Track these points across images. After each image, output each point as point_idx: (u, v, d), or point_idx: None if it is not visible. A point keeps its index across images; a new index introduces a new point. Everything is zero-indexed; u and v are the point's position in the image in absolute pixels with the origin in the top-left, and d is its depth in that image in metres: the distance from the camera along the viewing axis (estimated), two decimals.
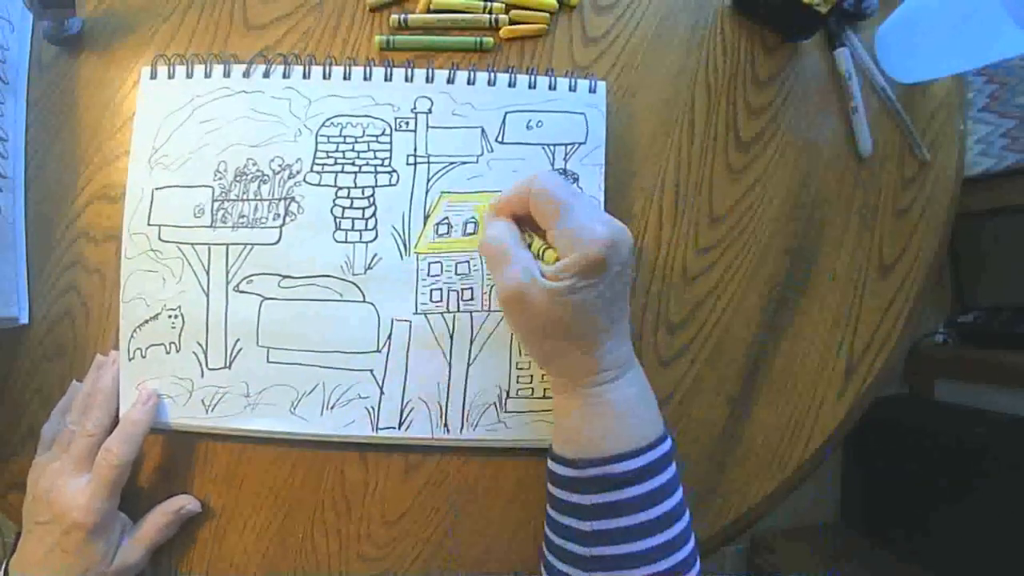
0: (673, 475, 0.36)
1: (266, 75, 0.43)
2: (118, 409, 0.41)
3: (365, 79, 0.43)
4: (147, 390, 0.41)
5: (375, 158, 0.43)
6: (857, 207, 0.46)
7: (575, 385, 0.36)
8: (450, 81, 0.43)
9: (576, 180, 0.43)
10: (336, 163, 0.43)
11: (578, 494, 0.35)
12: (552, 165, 0.43)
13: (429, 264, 0.42)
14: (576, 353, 0.35)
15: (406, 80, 0.43)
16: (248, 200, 0.42)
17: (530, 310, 0.34)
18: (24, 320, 0.43)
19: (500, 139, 0.43)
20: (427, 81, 0.43)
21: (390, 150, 0.43)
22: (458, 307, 0.42)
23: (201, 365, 0.42)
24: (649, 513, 0.34)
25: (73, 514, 0.37)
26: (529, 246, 0.36)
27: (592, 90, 0.44)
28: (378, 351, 0.42)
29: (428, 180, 0.43)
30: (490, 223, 0.37)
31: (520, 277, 0.33)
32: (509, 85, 0.44)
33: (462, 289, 0.42)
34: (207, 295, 0.42)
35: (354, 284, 0.42)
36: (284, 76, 0.43)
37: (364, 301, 0.42)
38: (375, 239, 0.42)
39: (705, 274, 0.45)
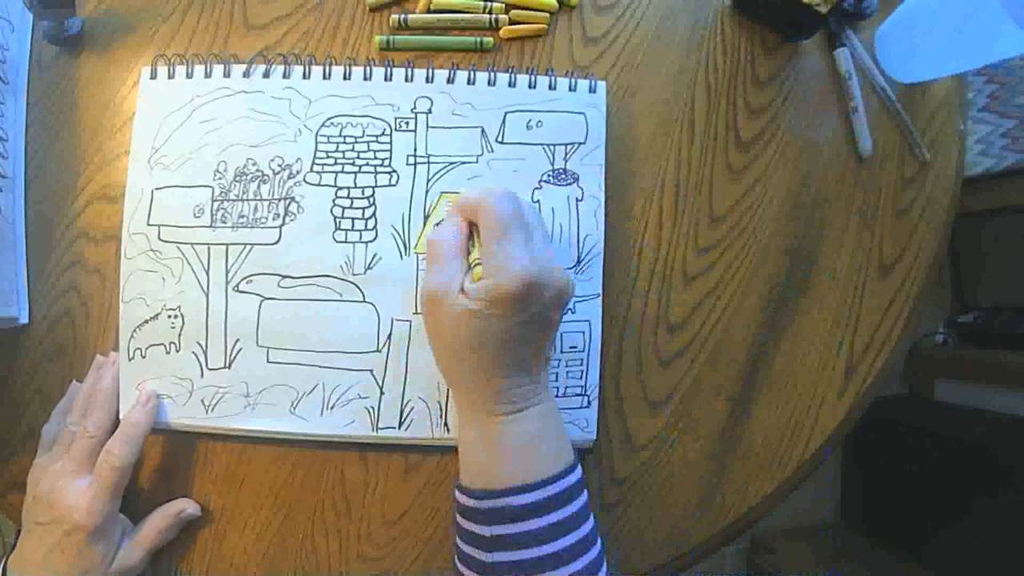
0: (580, 507, 0.34)
1: (266, 75, 0.43)
2: (119, 410, 0.41)
3: (365, 79, 0.43)
4: (147, 391, 0.41)
5: (375, 158, 0.43)
6: (857, 207, 0.46)
7: (474, 414, 0.35)
8: (450, 81, 0.43)
9: (576, 180, 0.43)
10: (336, 163, 0.43)
11: (478, 525, 0.34)
12: (552, 165, 0.43)
13: None
14: (477, 379, 0.34)
15: (406, 80, 0.43)
16: (248, 200, 0.42)
17: (440, 320, 0.34)
18: (24, 320, 0.43)
19: (500, 139, 0.43)
20: (427, 81, 0.43)
21: (390, 150, 0.43)
22: None
23: (201, 365, 0.42)
24: (553, 546, 0.33)
25: (74, 516, 0.37)
26: (469, 253, 0.35)
27: (592, 90, 0.44)
28: (378, 351, 0.42)
29: (428, 180, 0.43)
30: (444, 220, 0.37)
31: (439, 285, 0.34)
32: (509, 85, 0.44)
33: None
34: (207, 295, 0.42)
35: (354, 284, 0.42)
36: (284, 76, 0.43)
37: (364, 301, 0.42)
38: (375, 239, 0.42)
39: (705, 274, 0.45)
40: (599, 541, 0.36)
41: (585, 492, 0.36)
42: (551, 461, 0.34)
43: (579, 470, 0.36)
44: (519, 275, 0.32)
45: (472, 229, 0.36)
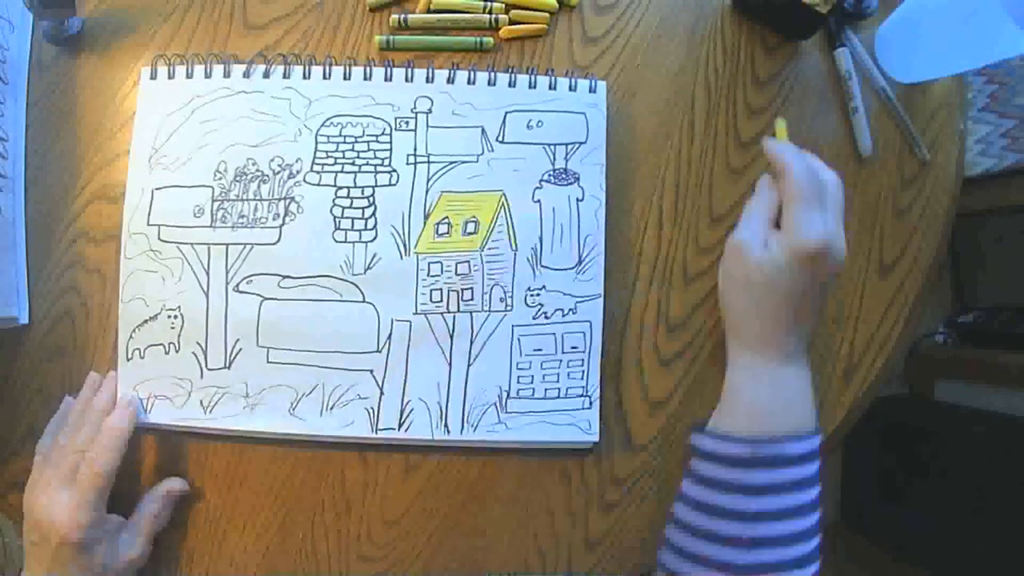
0: (819, 466, 0.37)
1: (266, 75, 0.43)
2: None
3: (365, 79, 0.43)
4: (127, 396, 0.41)
5: (375, 158, 0.43)
6: (857, 207, 0.46)
7: (753, 355, 0.39)
8: (450, 81, 0.43)
9: (577, 179, 0.43)
10: (336, 163, 0.43)
11: (749, 471, 0.36)
12: (553, 165, 0.43)
13: (429, 264, 0.42)
14: (763, 323, 0.38)
15: (406, 80, 0.43)
16: (248, 200, 0.42)
17: (740, 266, 0.39)
18: (24, 320, 0.43)
19: (500, 139, 0.43)
20: (427, 81, 0.43)
21: (390, 150, 0.43)
22: (458, 307, 0.42)
23: (201, 365, 0.42)
24: (807, 494, 0.36)
25: (60, 531, 0.36)
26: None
27: (592, 90, 0.44)
28: (378, 351, 0.42)
29: (428, 180, 0.43)
30: (762, 187, 0.40)
31: (747, 238, 0.39)
32: (509, 85, 0.44)
33: (462, 289, 0.42)
34: (207, 295, 0.42)
35: (354, 284, 0.42)
36: (284, 76, 0.43)
37: (364, 301, 0.42)
38: (375, 239, 0.42)
39: (705, 274, 0.45)
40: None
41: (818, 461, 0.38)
42: (813, 415, 0.38)
43: (819, 433, 0.38)
44: (815, 238, 0.36)
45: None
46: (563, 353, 0.42)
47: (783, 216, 0.38)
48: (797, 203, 0.37)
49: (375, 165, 0.43)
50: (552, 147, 0.43)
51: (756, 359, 0.39)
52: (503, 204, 0.43)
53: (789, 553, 0.35)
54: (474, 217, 0.43)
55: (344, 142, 0.43)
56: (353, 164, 0.43)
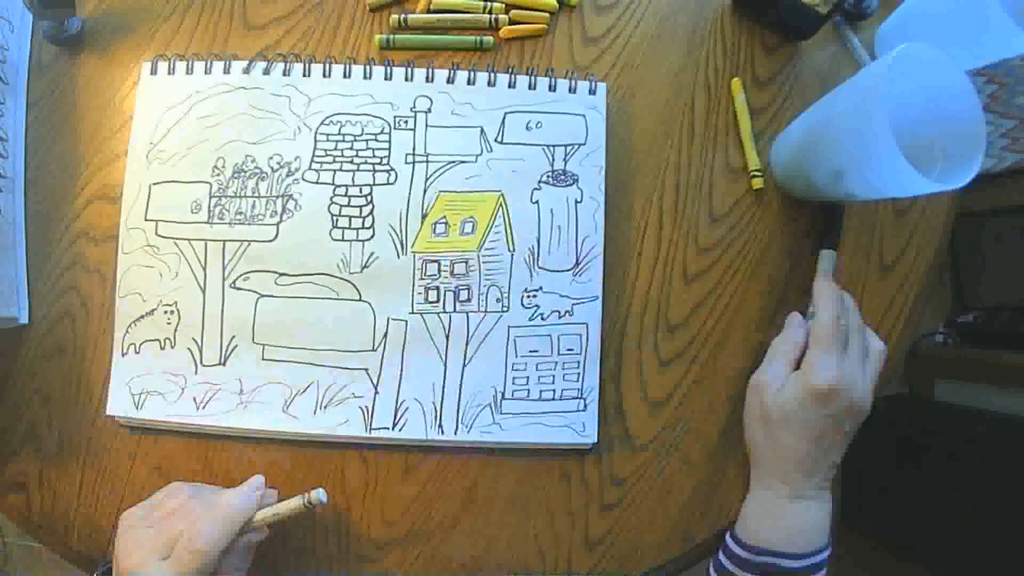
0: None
1: (266, 72, 0.43)
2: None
3: (365, 78, 0.43)
4: (256, 479, 0.38)
5: (373, 156, 0.43)
6: (857, 207, 0.46)
7: (769, 485, 0.41)
8: (450, 81, 0.43)
9: (576, 181, 0.43)
10: (334, 161, 0.43)
11: (744, 571, 0.40)
12: (552, 166, 0.43)
13: (426, 263, 0.42)
14: (779, 458, 0.40)
15: (406, 79, 0.43)
16: (246, 197, 0.42)
17: (759, 403, 0.41)
18: (24, 320, 0.43)
19: (499, 139, 0.43)
20: (427, 80, 0.43)
21: (389, 149, 0.43)
22: (454, 307, 0.42)
23: (196, 362, 0.42)
24: None
25: None
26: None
27: (592, 91, 0.44)
28: (373, 350, 0.42)
29: (426, 179, 0.43)
30: (795, 327, 0.42)
31: (768, 379, 0.41)
32: (509, 86, 0.44)
33: (458, 289, 0.42)
34: (203, 291, 0.42)
35: (350, 282, 0.42)
36: (284, 74, 0.43)
37: (360, 300, 0.42)
38: (372, 237, 0.42)
39: (705, 274, 0.45)
40: None
41: (825, 568, 0.40)
42: (820, 537, 0.40)
43: (829, 547, 0.41)
44: (826, 379, 0.38)
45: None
46: (559, 355, 0.42)
47: (804, 357, 0.40)
48: (817, 346, 0.39)
49: (373, 164, 0.43)
50: (551, 148, 0.43)
51: (768, 495, 0.41)
52: (501, 205, 0.43)
53: None
54: (472, 217, 0.43)
55: (343, 140, 0.43)
56: (351, 163, 0.43)
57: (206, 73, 0.43)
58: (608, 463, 0.44)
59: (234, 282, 0.42)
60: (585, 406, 0.42)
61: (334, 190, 0.42)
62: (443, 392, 0.42)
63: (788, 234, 0.46)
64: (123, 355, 0.42)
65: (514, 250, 0.43)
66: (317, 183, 0.42)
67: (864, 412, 0.39)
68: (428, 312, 0.42)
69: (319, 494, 0.37)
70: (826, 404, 0.38)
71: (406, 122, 0.43)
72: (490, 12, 0.45)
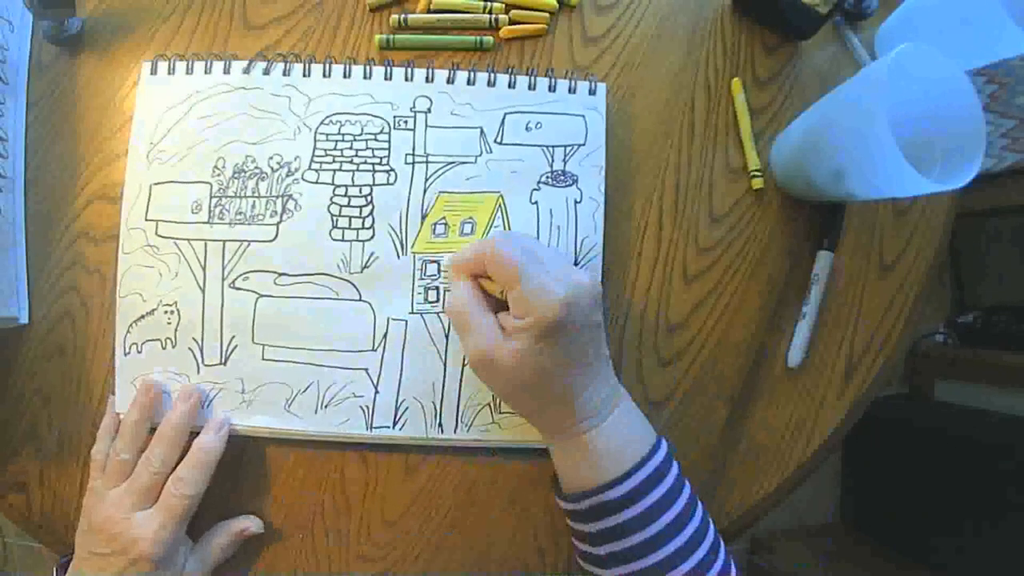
0: (674, 480, 0.36)
1: (266, 72, 0.43)
2: (141, 421, 0.40)
3: (365, 78, 0.43)
4: (219, 418, 0.41)
5: (373, 156, 0.43)
6: (857, 207, 0.46)
7: (560, 435, 0.37)
8: (450, 81, 0.43)
9: (575, 181, 0.43)
10: (334, 161, 0.43)
11: (584, 523, 0.37)
12: (551, 166, 0.43)
13: (425, 264, 0.42)
14: (553, 407, 0.36)
15: (406, 79, 0.43)
16: (246, 197, 0.42)
17: (498, 371, 0.35)
18: (24, 320, 0.43)
19: (499, 140, 0.43)
20: (427, 81, 0.43)
21: (388, 149, 0.43)
22: None
23: (197, 361, 0.42)
24: (657, 525, 0.35)
25: (140, 546, 0.36)
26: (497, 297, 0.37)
27: (592, 92, 0.44)
28: (373, 350, 0.42)
29: (426, 179, 0.43)
30: (452, 286, 0.37)
31: (483, 342, 0.35)
32: (509, 86, 0.44)
33: None
34: (203, 291, 0.42)
35: (350, 283, 0.42)
36: (284, 74, 0.43)
37: (360, 300, 0.42)
38: (372, 238, 0.42)
39: (705, 274, 0.45)
40: (699, 505, 0.37)
41: (674, 463, 0.37)
42: (637, 447, 0.36)
43: (663, 445, 0.37)
44: (553, 304, 0.33)
45: (481, 280, 0.37)
46: None
47: (510, 298, 0.35)
48: (516, 278, 0.34)
49: (373, 164, 0.43)
50: (551, 149, 0.43)
51: (564, 436, 0.36)
52: (500, 205, 0.43)
53: None
54: (471, 218, 0.43)
55: (343, 140, 0.43)
56: (351, 163, 0.43)
57: (206, 73, 0.43)
58: None
59: (233, 282, 0.42)
60: None
61: (334, 190, 0.42)
62: (443, 391, 0.42)
63: (788, 234, 0.46)
64: (126, 354, 0.42)
65: None
66: (317, 183, 0.42)
67: (598, 289, 0.35)
68: (428, 312, 0.42)
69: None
70: (569, 324, 0.33)
71: (406, 122, 0.43)
72: (490, 12, 0.45)
